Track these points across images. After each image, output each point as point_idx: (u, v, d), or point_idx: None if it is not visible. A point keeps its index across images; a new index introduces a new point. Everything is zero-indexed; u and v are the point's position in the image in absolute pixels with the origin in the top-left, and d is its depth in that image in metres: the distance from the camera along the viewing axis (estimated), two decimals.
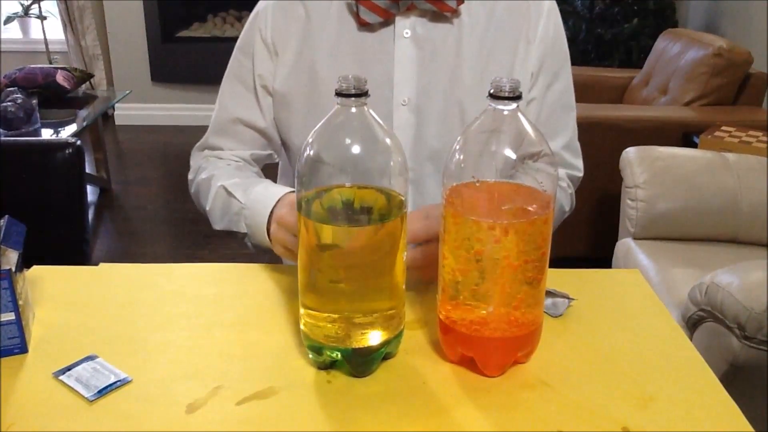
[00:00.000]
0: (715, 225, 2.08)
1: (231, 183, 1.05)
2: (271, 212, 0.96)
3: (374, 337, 0.75)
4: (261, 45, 1.09)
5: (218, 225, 1.08)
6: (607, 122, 2.56)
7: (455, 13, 1.04)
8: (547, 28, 1.07)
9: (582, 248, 2.68)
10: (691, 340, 0.94)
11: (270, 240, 0.96)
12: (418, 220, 0.85)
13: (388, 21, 1.04)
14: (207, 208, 1.09)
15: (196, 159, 1.19)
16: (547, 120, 1.10)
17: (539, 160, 0.72)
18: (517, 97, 0.70)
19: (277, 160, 1.22)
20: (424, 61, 1.05)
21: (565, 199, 1.14)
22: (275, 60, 1.09)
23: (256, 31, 1.10)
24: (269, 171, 1.19)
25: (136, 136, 4.56)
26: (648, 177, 2.09)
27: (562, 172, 1.13)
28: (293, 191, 0.97)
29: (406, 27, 1.04)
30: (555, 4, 1.09)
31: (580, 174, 1.18)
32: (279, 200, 0.96)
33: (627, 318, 0.90)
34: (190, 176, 1.18)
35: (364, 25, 1.05)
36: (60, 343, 0.81)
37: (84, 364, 0.77)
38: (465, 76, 1.05)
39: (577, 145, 1.17)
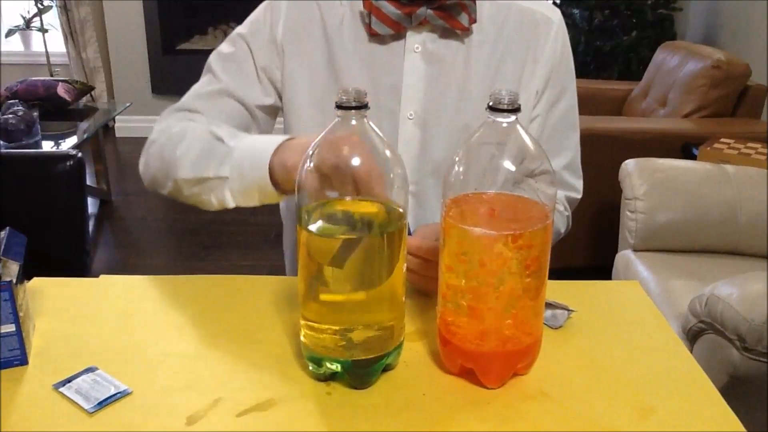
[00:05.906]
0: (714, 237, 2.08)
1: (218, 129, 0.96)
2: (276, 151, 0.87)
3: (374, 349, 0.75)
4: (269, 40, 1.06)
5: (186, 172, 0.96)
6: (606, 134, 2.57)
7: (467, 31, 1.05)
8: (555, 48, 1.08)
9: (582, 259, 2.68)
10: (691, 351, 0.93)
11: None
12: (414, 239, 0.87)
13: (399, 34, 1.04)
14: (177, 154, 0.97)
15: (167, 120, 1.06)
16: (549, 138, 1.10)
17: (538, 178, 0.72)
18: (515, 110, 0.71)
19: None
20: (433, 77, 1.05)
21: (561, 222, 1.14)
22: (281, 58, 1.07)
23: (267, 25, 1.07)
24: None
25: (136, 148, 4.51)
26: (647, 189, 2.09)
27: (560, 194, 1.13)
28: (293, 138, 0.90)
29: (416, 42, 1.04)
30: (563, 24, 1.09)
31: (579, 196, 1.18)
32: (282, 145, 0.87)
33: (627, 330, 0.90)
34: (152, 136, 1.04)
35: (374, 36, 1.04)
36: (60, 354, 0.81)
37: (84, 376, 0.77)
38: (472, 93, 1.05)
39: (579, 165, 1.17)
